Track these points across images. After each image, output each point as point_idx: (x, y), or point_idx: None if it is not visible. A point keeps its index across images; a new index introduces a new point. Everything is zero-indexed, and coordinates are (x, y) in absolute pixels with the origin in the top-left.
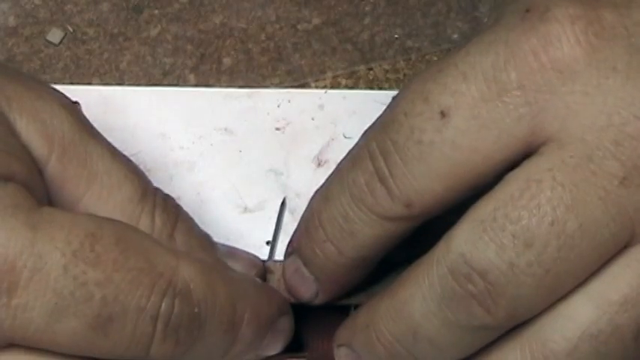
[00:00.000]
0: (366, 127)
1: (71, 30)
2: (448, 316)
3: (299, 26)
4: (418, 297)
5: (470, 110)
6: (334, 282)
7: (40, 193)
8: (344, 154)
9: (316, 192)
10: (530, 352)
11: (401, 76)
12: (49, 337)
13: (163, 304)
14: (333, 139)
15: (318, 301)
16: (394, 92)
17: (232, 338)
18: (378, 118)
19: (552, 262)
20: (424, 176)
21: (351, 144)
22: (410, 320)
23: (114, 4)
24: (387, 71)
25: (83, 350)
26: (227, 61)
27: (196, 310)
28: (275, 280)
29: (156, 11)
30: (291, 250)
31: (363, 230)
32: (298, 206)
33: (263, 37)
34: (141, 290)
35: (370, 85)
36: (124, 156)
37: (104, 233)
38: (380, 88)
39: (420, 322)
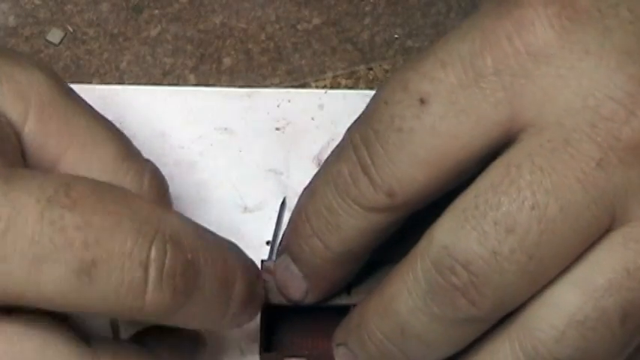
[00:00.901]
0: None
1: (71, 30)
2: (434, 310)
3: (299, 26)
4: (404, 293)
5: (448, 96)
6: (322, 278)
7: (13, 156)
8: None
9: (304, 189)
10: (519, 343)
11: None
12: (33, 289)
13: (153, 250)
14: (333, 139)
15: (308, 300)
16: None
17: (228, 294)
18: (363, 110)
19: (535, 247)
20: (405, 164)
21: None
22: (397, 317)
23: (114, 4)
24: (387, 71)
25: (72, 301)
26: (227, 61)
27: (190, 256)
28: (275, 279)
29: (156, 11)
30: (281, 248)
31: (348, 222)
32: None
33: (263, 37)
34: (124, 234)
35: (370, 85)
36: (107, 119)
37: (79, 182)
38: None
39: (407, 319)
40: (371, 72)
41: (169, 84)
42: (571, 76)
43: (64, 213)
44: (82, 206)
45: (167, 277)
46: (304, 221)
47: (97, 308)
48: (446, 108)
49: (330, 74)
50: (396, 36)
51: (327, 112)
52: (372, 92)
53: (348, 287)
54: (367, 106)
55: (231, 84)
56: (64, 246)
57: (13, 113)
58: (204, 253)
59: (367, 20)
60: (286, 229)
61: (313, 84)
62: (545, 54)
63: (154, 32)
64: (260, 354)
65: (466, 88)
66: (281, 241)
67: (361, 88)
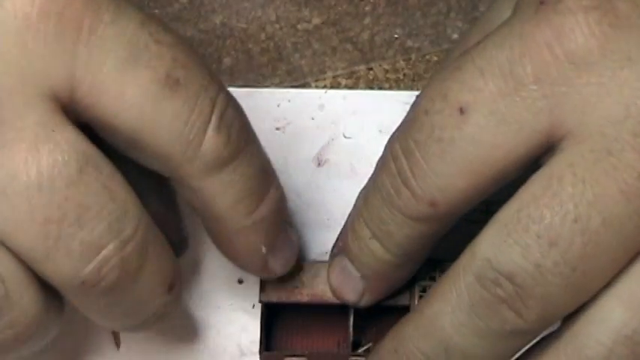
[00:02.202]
0: (365, 127)
1: None
2: (479, 324)
3: (299, 26)
4: (447, 309)
5: (488, 106)
6: (382, 279)
7: None
8: (344, 154)
9: (361, 191)
10: None
11: (401, 76)
12: (118, 87)
13: (221, 95)
14: (333, 139)
15: (364, 302)
16: (394, 92)
17: (265, 188)
18: (403, 119)
19: (578, 260)
20: (446, 174)
21: (351, 144)
22: (440, 334)
23: None
24: (387, 71)
25: (147, 116)
26: (227, 61)
27: (245, 121)
28: (274, 279)
29: (156, 11)
30: (337, 251)
31: (398, 231)
32: (298, 206)
33: (263, 37)
34: (203, 72)
35: (370, 85)
36: None
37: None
38: (380, 88)
39: (451, 335)
40: (371, 72)
41: None
42: (612, 85)
43: (160, 30)
44: (173, 33)
45: (226, 124)
46: (363, 225)
47: (161, 134)
48: (486, 118)
49: (330, 74)
50: (396, 36)
51: (327, 112)
52: (372, 92)
53: None
54: (407, 115)
55: (231, 84)
56: (157, 55)
57: None
58: (253, 132)
59: (367, 20)
60: (342, 230)
61: (313, 84)
62: (586, 62)
63: None
64: (260, 353)
65: (506, 97)
66: (335, 244)
67: (361, 88)
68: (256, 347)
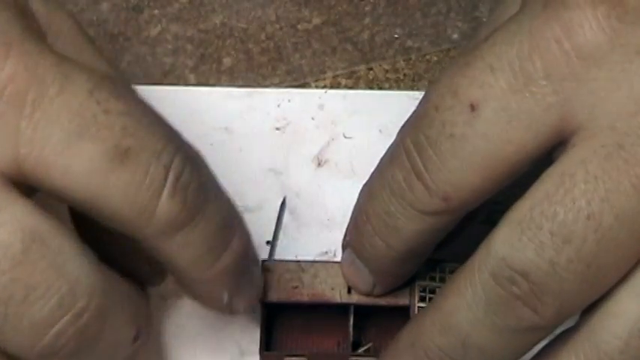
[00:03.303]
0: (365, 127)
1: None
2: (495, 321)
3: (299, 26)
4: (463, 306)
5: (499, 102)
6: (387, 274)
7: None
8: (344, 154)
9: (364, 186)
10: (585, 355)
11: (401, 76)
12: (64, 161)
13: (176, 159)
14: (333, 139)
15: (376, 292)
16: (394, 92)
17: (226, 240)
18: (412, 113)
19: (592, 256)
20: (459, 169)
21: (351, 144)
22: (458, 330)
23: (114, 4)
24: (387, 71)
25: (95, 186)
26: (227, 61)
27: (203, 179)
28: (274, 279)
29: (156, 11)
30: (345, 243)
31: (406, 225)
32: (298, 206)
33: (263, 37)
34: (158, 135)
35: (370, 85)
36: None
37: (120, 83)
38: (380, 88)
39: (468, 331)
40: (371, 72)
41: (169, 84)
42: (622, 79)
43: (110, 97)
44: (125, 97)
45: (181, 188)
46: (365, 222)
47: (113, 203)
48: (497, 114)
49: (330, 74)
50: (396, 36)
51: (327, 112)
52: (372, 92)
53: (348, 286)
54: (416, 110)
55: (231, 84)
56: (105, 126)
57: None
58: (214, 189)
59: (367, 20)
60: (349, 224)
61: (313, 84)
62: (595, 57)
63: (153, 32)
64: (260, 353)
65: (516, 93)
66: (345, 235)
67: (361, 88)
68: (256, 347)
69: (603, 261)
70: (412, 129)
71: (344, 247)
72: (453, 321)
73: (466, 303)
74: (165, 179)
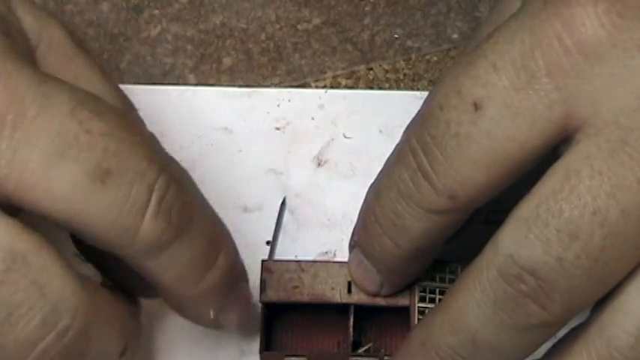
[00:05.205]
0: (366, 127)
1: (71, 30)
2: (505, 318)
3: (299, 26)
4: (472, 305)
5: (502, 100)
6: (395, 273)
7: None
8: (344, 154)
9: (370, 186)
10: (596, 352)
11: (401, 76)
12: (45, 183)
13: (160, 179)
14: (333, 139)
15: (384, 292)
16: (394, 92)
17: (212, 257)
18: (417, 113)
19: (599, 251)
20: (465, 168)
21: (351, 144)
22: (467, 329)
23: (114, 4)
24: (387, 71)
25: (77, 207)
26: (227, 61)
27: (188, 199)
28: (274, 279)
29: (156, 11)
30: (353, 243)
31: (414, 224)
32: (298, 206)
33: (263, 37)
34: (141, 155)
35: (370, 85)
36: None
37: (104, 101)
38: (380, 88)
39: (478, 329)
40: (371, 72)
41: (169, 84)
42: (625, 75)
43: (93, 117)
44: (108, 118)
45: (165, 208)
46: (373, 221)
47: (96, 223)
48: (501, 112)
49: (330, 74)
50: (396, 36)
51: (327, 112)
52: (372, 92)
53: (348, 286)
54: (420, 110)
55: (231, 84)
56: (86, 147)
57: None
58: (200, 207)
59: (367, 20)
60: (356, 225)
61: (313, 84)
62: (597, 53)
63: (153, 32)
64: (260, 353)
65: (520, 91)
66: (352, 235)
67: (361, 88)
68: (256, 347)
69: (610, 256)
70: (418, 129)
71: (351, 247)
72: (462, 320)
73: (475, 301)
74: (149, 199)
